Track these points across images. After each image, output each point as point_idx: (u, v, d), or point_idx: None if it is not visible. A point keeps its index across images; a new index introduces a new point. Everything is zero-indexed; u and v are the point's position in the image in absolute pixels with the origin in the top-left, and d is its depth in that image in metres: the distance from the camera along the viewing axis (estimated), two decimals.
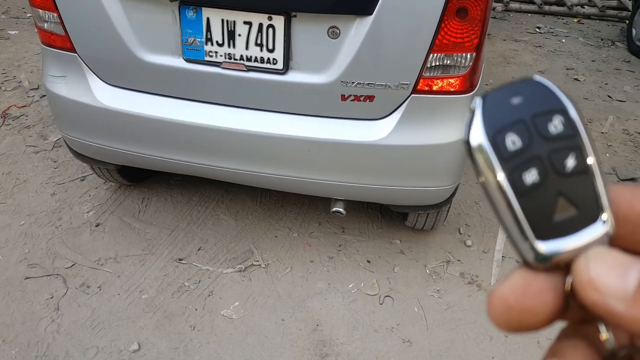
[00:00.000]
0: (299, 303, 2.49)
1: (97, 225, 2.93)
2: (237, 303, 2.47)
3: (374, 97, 1.99)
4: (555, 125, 0.29)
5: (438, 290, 2.59)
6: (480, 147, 0.29)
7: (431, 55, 1.86)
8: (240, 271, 2.63)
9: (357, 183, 2.23)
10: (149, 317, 2.40)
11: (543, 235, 0.29)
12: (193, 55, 2.03)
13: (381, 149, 2.09)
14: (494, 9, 6.89)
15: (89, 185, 3.24)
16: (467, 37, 1.84)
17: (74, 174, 3.33)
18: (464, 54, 1.88)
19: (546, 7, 6.92)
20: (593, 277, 0.27)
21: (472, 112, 0.30)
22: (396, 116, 2.03)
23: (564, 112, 0.29)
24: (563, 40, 6.13)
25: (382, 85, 1.94)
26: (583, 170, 0.29)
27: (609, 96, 4.86)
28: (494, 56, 5.50)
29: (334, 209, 2.43)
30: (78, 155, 2.61)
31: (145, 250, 2.76)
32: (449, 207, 2.66)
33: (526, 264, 0.30)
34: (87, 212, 3.04)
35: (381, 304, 2.51)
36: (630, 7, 6.26)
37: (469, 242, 2.88)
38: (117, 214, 3.03)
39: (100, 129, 2.34)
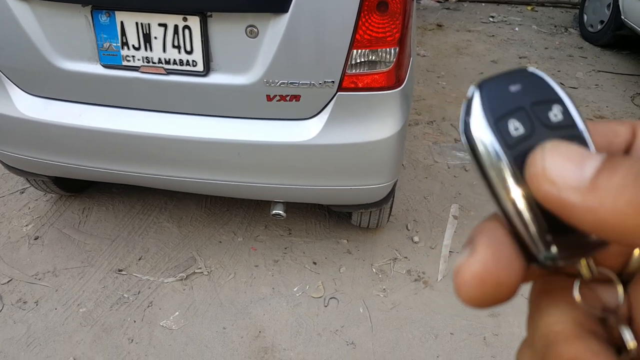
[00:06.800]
0: (242, 310, 2.42)
1: (35, 239, 2.83)
2: (177, 313, 2.39)
3: (300, 96, 1.93)
4: (555, 114, 0.28)
5: (384, 289, 2.55)
6: (483, 134, 0.28)
7: (353, 51, 1.81)
8: (181, 280, 2.55)
9: (292, 185, 2.18)
10: (86, 331, 2.32)
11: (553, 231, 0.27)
12: (110, 60, 1.95)
13: (312, 148, 2.03)
14: (446, 0, 6.87)
15: (28, 198, 3.13)
16: (388, 32, 1.79)
17: (14, 187, 3.22)
18: (387, 49, 1.83)
19: None
20: (547, 168, 0.25)
21: (469, 100, 0.28)
22: (324, 115, 1.98)
23: (561, 102, 0.28)
24: (516, 29, 6.13)
25: (306, 84, 1.88)
26: None
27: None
28: (446, 47, 5.47)
29: (274, 212, 2.38)
30: (10, 167, 2.52)
31: (84, 262, 2.67)
32: (392, 205, 2.62)
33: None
34: (26, 225, 2.94)
35: (326, 306, 2.45)
36: None
37: (416, 238, 2.84)
38: (56, 225, 2.93)
39: (24, 140, 2.26)
